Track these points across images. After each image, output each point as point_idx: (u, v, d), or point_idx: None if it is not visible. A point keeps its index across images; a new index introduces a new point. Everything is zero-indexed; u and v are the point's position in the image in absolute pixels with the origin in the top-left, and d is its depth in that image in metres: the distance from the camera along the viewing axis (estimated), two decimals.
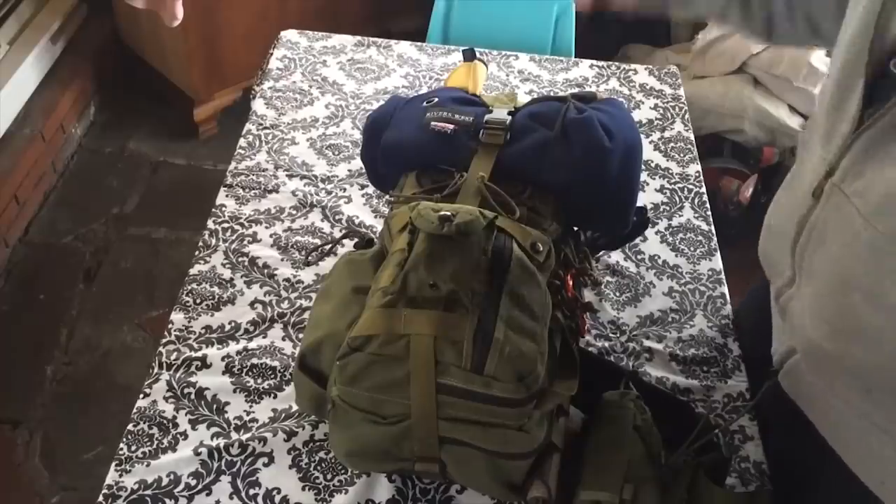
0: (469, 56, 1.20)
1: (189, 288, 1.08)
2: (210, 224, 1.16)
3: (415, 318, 0.73)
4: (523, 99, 1.01)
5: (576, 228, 0.97)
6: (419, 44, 1.58)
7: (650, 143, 1.37)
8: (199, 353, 1.00)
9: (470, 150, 0.89)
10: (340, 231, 1.17)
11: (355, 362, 0.74)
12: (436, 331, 0.72)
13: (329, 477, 0.89)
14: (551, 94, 1.43)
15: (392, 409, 0.75)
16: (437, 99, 0.97)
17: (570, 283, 0.90)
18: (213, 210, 1.18)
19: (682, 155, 1.35)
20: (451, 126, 0.91)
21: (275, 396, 0.96)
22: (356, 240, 1.03)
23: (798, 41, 0.93)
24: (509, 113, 0.92)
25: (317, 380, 0.82)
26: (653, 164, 1.33)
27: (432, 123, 0.92)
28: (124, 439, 0.91)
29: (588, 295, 1.10)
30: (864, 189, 0.66)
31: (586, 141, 0.88)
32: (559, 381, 0.79)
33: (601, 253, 1.15)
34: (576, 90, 1.45)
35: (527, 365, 0.73)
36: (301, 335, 1.01)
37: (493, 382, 0.72)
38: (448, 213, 0.76)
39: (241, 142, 1.31)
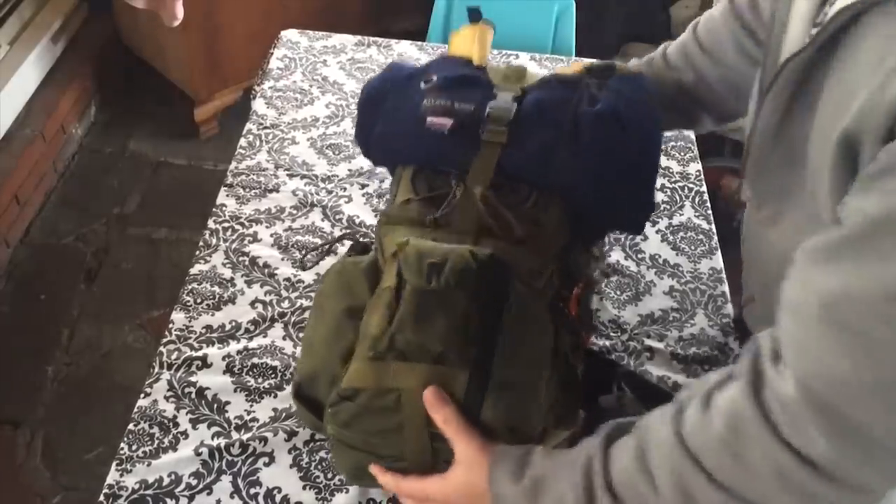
0: (475, 16, 0.99)
1: (190, 287, 1.08)
2: (210, 224, 1.16)
3: (404, 372, 0.70)
4: (533, 72, 0.90)
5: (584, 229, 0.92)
6: (419, 43, 1.58)
7: None
8: (200, 353, 1.00)
9: (469, 150, 0.82)
10: (341, 231, 1.17)
11: (346, 410, 0.73)
12: (426, 385, 0.70)
13: (330, 476, 0.89)
14: None
15: (388, 450, 0.75)
16: (435, 78, 0.87)
17: (576, 299, 0.84)
18: (214, 210, 1.18)
19: (682, 154, 1.35)
20: (450, 121, 0.82)
21: (275, 396, 0.96)
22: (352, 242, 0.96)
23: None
24: (515, 98, 0.83)
25: (313, 409, 0.80)
26: None
27: (429, 119, 0.82)
28: (125, 439, 0.91)
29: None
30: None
31: (598, 141, 0.81)
32: (561, 416, 0.77)
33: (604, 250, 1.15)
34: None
35: (521, 418, 0.71)
36: (301, 335, 1.01)
37: (489, 433, 0.71)
38: (437, 261, 0.71)
39: (242, 141, 1.31)
